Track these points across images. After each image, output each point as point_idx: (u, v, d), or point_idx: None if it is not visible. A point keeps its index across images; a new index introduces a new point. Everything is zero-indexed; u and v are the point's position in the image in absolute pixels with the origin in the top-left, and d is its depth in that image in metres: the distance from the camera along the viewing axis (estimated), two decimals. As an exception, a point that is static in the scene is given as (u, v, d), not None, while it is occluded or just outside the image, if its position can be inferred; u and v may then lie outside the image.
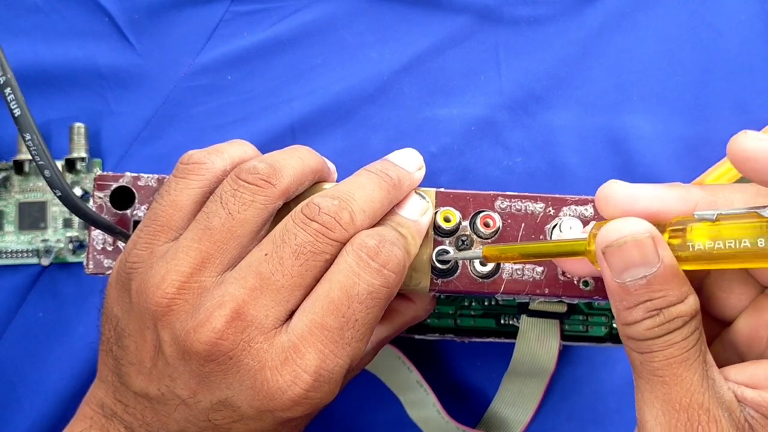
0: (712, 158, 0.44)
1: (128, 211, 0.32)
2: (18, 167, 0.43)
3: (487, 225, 0.31)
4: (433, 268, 0.30)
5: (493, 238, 0.31)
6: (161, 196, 0.29)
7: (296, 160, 0.30)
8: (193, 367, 0.27)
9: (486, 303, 0.39)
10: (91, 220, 0.30)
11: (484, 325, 0.39)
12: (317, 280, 0.27)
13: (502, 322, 0.39)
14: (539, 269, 0.31)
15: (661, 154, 0.44)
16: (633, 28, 0.46)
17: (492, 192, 0.31)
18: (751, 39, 0.46)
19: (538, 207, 0.31)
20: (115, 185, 0.32)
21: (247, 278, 0.27)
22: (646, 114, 0.45)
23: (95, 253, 0.32)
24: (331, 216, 0.27)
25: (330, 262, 0.27)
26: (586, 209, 0.31)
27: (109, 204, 0.32)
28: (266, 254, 0.27)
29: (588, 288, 0.30)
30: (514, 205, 0.31)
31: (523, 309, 0.37)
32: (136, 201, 0.32)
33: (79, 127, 0.43)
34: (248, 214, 0.28)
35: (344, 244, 0.27)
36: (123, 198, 0.32)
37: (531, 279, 0.30)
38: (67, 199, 0.28)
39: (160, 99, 0.45)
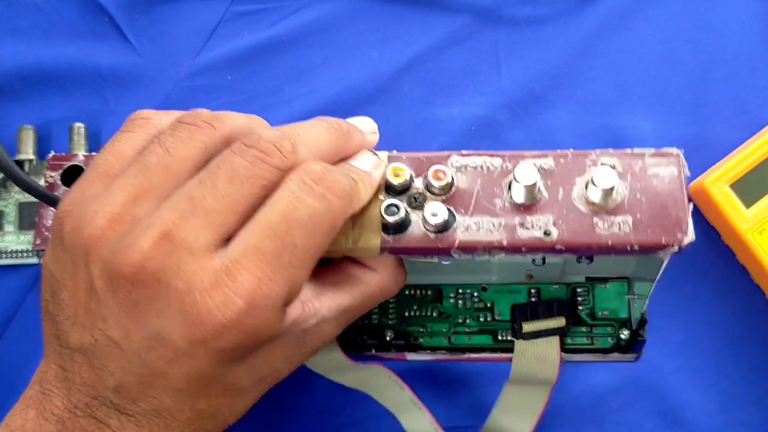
0: (712, 158, 0.44)
1: None
2: (18, 167, 0.43)
3: (438, 178, 0.29)
4: (384, 226, 0.29)
5: (447, 195, 0.29)
6: (105, 148, 0.29)
7: (243, 117, 0.29)
8: (121, 296, 0.25)
9: (482, 319, 0.37)
10: (26, 187, 0.30)
11: (480, 342, 0.37)
12: (255, 208, 0.26)
13: (499, 338, 0.36)
14: (495, 221, 0.29)
15: (661, 154, 0.44)
16: (633, 28, 0.46)
17: (447, 152, 0.30)
18: (751, 39, 0.45)
19: (495, 162, 0.30)
20: (67, 164, 0.32)
21: (178, 203, 0.26)
22: (646, 114, 0.45)
23: (43, 229, 0.32)
24: (271, 143, 0.26)
25: (269, 189, 0.26)
26: (545, 162, 0.29)
27: (59, 182, 0.32)
28: (200, 181, 0.26)
29: (550, 237, 0.28)
30: (470, 163, 0.30)
31: (516, 333, 0.34)
32: None
33: (79, 127, 0.43)
34: (186, 151, 0.27)
35: (284, 171, 0.26)
36: (76, 177, 0.32)
37: (488, 230, 0.29)
38: (1, 164, 0.29)
39: (160, 99, 0.45)
